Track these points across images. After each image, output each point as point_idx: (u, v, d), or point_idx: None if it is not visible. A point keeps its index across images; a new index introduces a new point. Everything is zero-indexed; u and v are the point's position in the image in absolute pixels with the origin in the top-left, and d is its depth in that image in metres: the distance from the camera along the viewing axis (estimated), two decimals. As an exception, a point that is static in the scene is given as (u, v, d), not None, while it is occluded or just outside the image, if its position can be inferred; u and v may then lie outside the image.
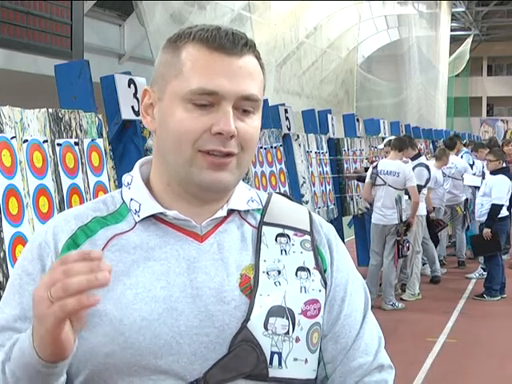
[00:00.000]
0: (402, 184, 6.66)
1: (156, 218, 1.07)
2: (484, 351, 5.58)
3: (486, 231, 7.37)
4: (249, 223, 1.11)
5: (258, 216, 1.13)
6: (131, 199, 1.09)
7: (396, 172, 6.65)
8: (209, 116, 1.02)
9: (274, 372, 1.02)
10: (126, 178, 1.13)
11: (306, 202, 6.19)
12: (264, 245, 1.08)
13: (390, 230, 6.76)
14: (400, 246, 6.74)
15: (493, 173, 7.54)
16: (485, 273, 8.05)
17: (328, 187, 7.08)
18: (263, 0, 12.79)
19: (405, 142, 7.01)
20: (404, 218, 6.78)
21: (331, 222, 7.11)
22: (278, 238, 1.10)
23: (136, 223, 1.07)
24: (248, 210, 1.12)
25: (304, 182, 6.27)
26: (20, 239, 2.65)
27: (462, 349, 5.68)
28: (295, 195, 5.99)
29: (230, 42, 1.02)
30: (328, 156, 7.10)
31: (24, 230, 2.69)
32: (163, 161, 1.08)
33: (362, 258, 7.68)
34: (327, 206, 6.96)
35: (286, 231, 1.11)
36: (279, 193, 1.21)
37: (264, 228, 1.11)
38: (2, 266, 2.56)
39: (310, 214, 1.17)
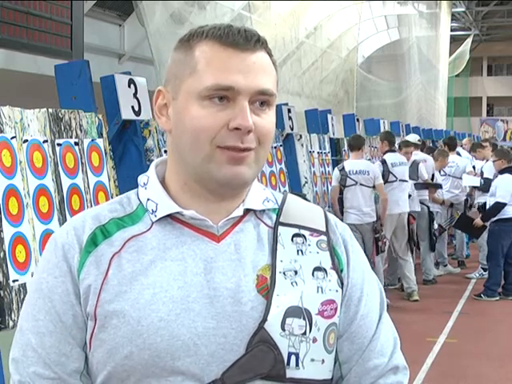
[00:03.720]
0: (372, 182, 6.76)
1: (172, 217, 1.07)
2: (484, 351, 5.57)
3: (478, 221, 7.72)
4: (264, 223, 1.11)
5: (274, 216, 1.13)
6: (148, 199, 1.09)
7: (366, 170, 6.75)
8: (225, 112, 1.02)
9: (291, 373, 1.02)
10: (142, 179, 1.13)
11: (308, 202, 6.19)
12: (280, 245, 1.08)
13: (367, 227, 6.79)
14: (379, 243, 6.81)
15: (500, 172, 7.56)
16: (485, 273, 8.06)
17: (330, 187, 7.07)
18: (263, 0, 12.78)
19: (361, 140, 7.03)
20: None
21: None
22: (294, 238, 1.10)
23: (152, 223, 1.07)
24: (264, 210, 1.12)
25: (306, 182, 6.27)
26: (20, 239, 2.65)
27: (461, 349, 5.67)
28: (296, 195, 5.99)
29: (242, 38, 1.03)
30: (330, 156, 7.11)
31: (24, 229, 2.69)
32: (180, 160, 1.08)
33: (361, 258, 7.67)
34: (329, 206, 6.96)
35: (302, 231, 1.11)
36: (294, 193, 1.21)
37: (280, 228, 1.10)
38: (2, 266, 2.56)
39: (325, 214, 1.17)
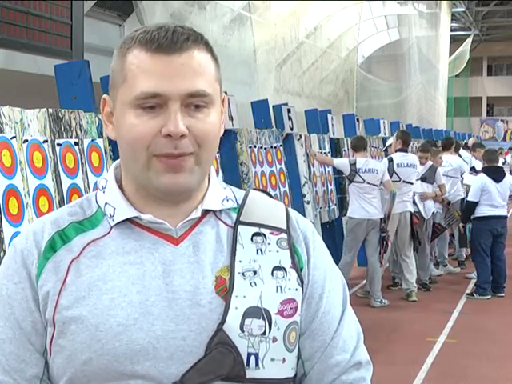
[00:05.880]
0: (380, 180, 6.82)
1: (131, 221, 1.07)
2: (484, 351, 5.57)
3: (460, 226, 8.08)
4: (224, 223, 1.10)
5: (234, 215, 1.11)
6: (106, 203, 1.09)
7: (375, 169, 6.83)
8: (158, 119, 1.01)
9: (251, 373, 1.02)
10: (100, 182, 1.12)
11: (308, 202, 6.20)
12: (240, 245, 1.07)
13: (373, 225, 6.81)
14: (384, 242, 6.85)
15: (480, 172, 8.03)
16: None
17: (330, 187, 7.08)
18: (263, 0, 12.78)
19: (364, 140, 7.18)
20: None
21: (332, 222, 7.12)
22: (254, 238, 1.09)
23: (111, 227, 1.07)
24: (223, 210, 1.11)
25: (306, 182, 6.27)
26: (20, 239, 2.65)
27: (461, 349, 5.67)
28: (296, 195, 6.00)
29: (168, 41, 1.01)
30: (330, 156, 7.11)
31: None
32: (125, 167, 1.09)
33: (361, 259, 7.66)
34: (328, 207, 6.96)
35: (262, 230, 1.10)
36: (257, 189, 1.20)
37: (240, 227, 1.09)
38: (2, 266, 2.56)
39: (287, 211, 1.15)
